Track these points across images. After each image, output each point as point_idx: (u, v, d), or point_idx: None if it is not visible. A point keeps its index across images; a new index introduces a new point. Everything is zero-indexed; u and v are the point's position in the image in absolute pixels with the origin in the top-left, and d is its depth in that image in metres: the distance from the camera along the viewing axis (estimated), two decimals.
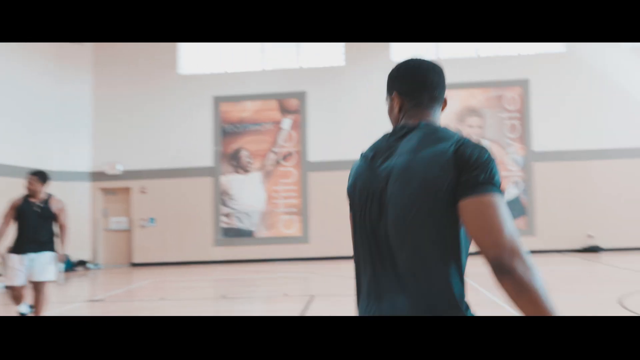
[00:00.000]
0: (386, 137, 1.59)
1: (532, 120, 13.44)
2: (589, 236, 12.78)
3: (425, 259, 1.40)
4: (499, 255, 1.25)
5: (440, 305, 1.38)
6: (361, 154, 1.64)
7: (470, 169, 1.36)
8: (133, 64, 14.29)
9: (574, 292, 7.56)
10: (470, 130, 13.44)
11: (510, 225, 1.29)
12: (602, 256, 12.11)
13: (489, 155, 1.39)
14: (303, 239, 13.76)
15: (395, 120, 1.64)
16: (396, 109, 1.62)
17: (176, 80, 14.35)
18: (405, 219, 1.42)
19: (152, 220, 13.97)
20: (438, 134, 1.47)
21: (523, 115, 13.49)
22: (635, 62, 13.43)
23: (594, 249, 12.78)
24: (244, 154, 14.10)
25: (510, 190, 13.34)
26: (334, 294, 8.52)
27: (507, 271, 1.23)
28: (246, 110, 14.18)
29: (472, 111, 13.65)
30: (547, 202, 13.19)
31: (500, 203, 1.31)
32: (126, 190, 14.22)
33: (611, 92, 13.40)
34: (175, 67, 14.34)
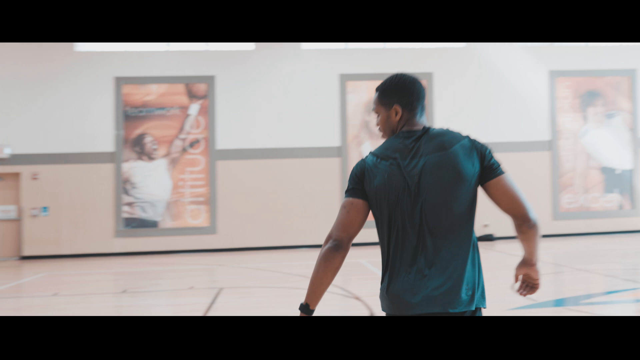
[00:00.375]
0: (400, 140, 1.96)
1: (435, 113, 14.00)
2: (485, 225, 13.59)
3: (458, 231, 1.88)
4: (528, 214, 1.88)
5: (463, 269, 1.88)
6: (378, 155, 1.97)
7: (488, 158, 1.91)
8: None
9: None
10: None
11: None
12: (496, 244, 12.95)
13: None
14: (210, 229, 13.41)
15: (392, 127, 2.02)
16: (396, 118, 2.00)
17: (73, 57, 13.33)
18: (443, 203, 1.86)
19: (45, 209, 12.95)
20: (451, 134, 1.94)
21: (427, 107, 14.01)
22: (526, 60, 14.41)
23: (489, 238, 13.62)
24: (148, 140, 13.44)
25: None
26: (242, 286, 8.39)
27: (534, 223, 1.89)
28: (151, 94, 13.49)
29: None
30: None
31: (512, 178, 1.91)
32: (15, 175, 13.04)
33: (502, 87, 14.29)
34: (72, 42, 13.30)
